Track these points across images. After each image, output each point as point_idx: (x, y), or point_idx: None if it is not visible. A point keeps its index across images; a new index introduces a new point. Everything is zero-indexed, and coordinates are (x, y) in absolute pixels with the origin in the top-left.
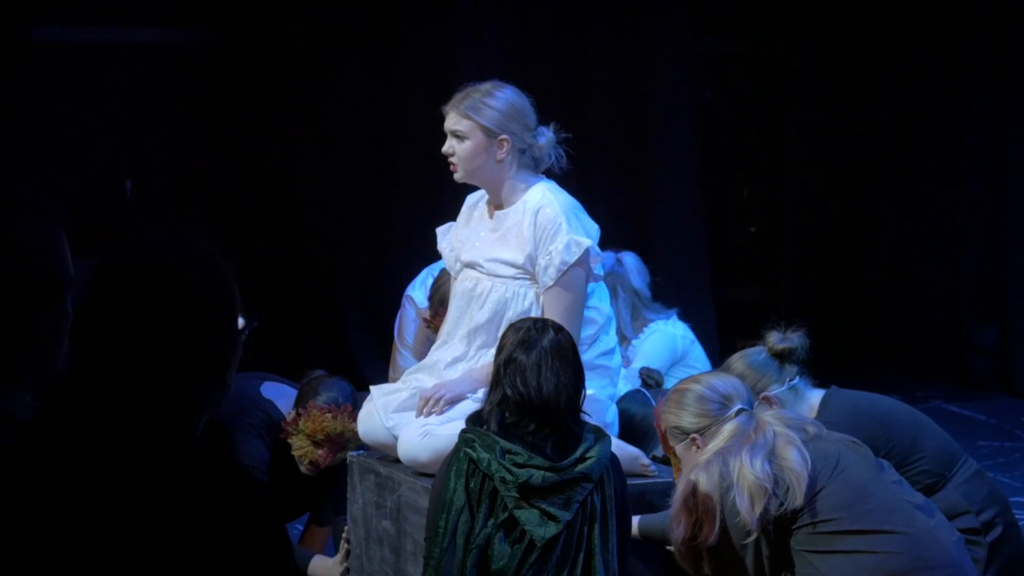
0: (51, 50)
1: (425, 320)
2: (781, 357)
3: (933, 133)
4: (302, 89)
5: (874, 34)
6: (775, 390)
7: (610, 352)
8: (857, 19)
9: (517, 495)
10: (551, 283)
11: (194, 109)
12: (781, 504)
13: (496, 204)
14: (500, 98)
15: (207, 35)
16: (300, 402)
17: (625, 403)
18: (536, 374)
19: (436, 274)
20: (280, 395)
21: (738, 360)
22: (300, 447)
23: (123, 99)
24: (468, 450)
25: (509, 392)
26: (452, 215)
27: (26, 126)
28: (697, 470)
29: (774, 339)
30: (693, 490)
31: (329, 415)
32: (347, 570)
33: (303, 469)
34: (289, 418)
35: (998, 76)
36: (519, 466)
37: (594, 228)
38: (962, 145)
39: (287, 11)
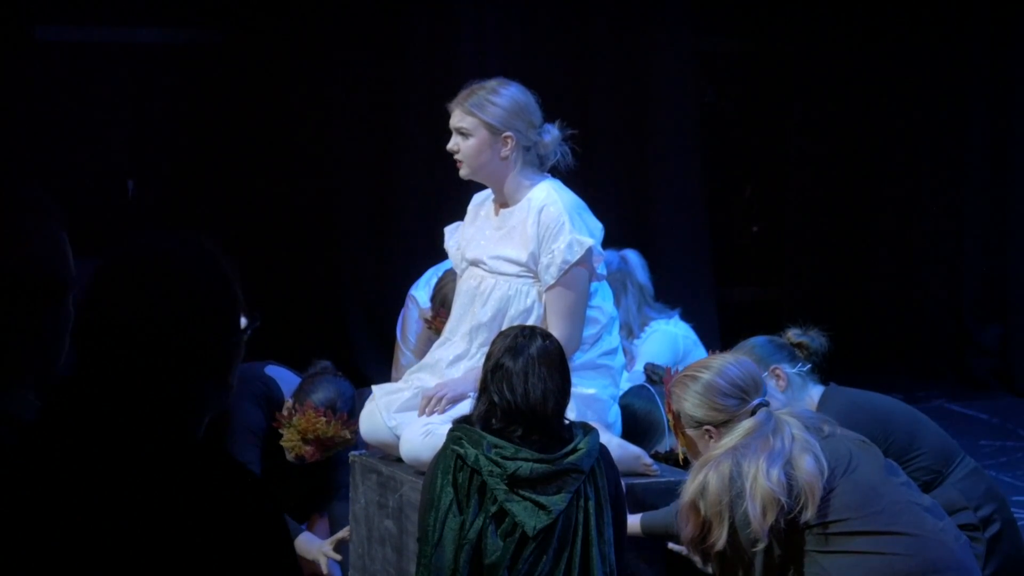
0: (53, 50)
1: (426, 320)
2: (797, 348)
3: (935, 132)
4: (304, 89)
5: (876, 34)
6: (786, 368)
7: (612, 352)
8: (859, 18)
9: (506, 487)
10: (553, 282)
11: (196, 109)
12: (791, 512)
13: (501, 202)
14: (505, 95)
15: (209, 35)
16: (299, 395)
17: (629, 398)
18: (523, 381)
19: (441, 274)
20: (282, 378)
21: (751, 343)
22: (289, 440)
23: (125, 99)
24: (455, 447)
25: (496, 399)
26: (455, 215)
27: (28, 126)
28: (708, 467)
29: (792, 332)
30: (702, 489)
31: (323, 419)
32: (336, 558)
33: (289, 458)
34: (284, 410)
35: (1000, 76)
36: (507, 458)
37: (598, 227)
38: (964, 144)
39: (289, 11)
